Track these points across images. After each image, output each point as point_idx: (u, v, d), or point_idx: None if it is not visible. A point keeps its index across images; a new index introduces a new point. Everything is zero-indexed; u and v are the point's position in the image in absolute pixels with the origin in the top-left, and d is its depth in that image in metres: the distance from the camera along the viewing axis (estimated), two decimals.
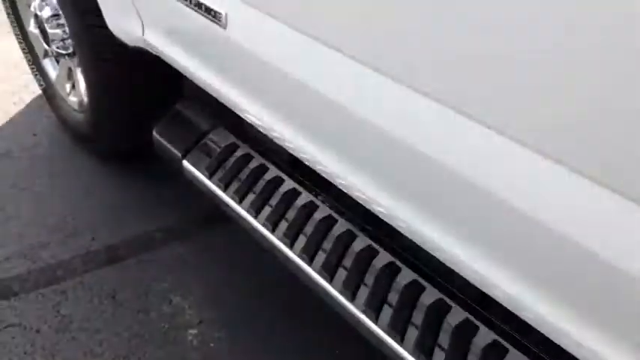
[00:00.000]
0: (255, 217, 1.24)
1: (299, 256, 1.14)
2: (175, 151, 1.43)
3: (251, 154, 1.38)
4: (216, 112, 1.50)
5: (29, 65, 2.21)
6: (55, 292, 1.64)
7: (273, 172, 1.33)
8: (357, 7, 0.85)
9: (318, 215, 1.22)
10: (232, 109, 1.28)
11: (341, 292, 1.07)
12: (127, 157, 2.08)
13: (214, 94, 1.30)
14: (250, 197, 1.28)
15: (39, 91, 2.37)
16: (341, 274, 1.10)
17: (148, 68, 1.66)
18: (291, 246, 1.16)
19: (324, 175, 1.11)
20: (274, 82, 1.08)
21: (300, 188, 1.28)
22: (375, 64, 0.85)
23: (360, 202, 1.03)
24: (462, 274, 0.88)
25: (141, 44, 1.44)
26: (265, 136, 1.29)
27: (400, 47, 0.81)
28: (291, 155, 1.28)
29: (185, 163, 1.40)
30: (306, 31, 0.94)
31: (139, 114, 1.84)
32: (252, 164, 1.35)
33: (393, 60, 0.83)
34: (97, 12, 1.50)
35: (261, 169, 1.34)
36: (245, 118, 1.26)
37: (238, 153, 1.39)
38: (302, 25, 0.95)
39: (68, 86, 2.06)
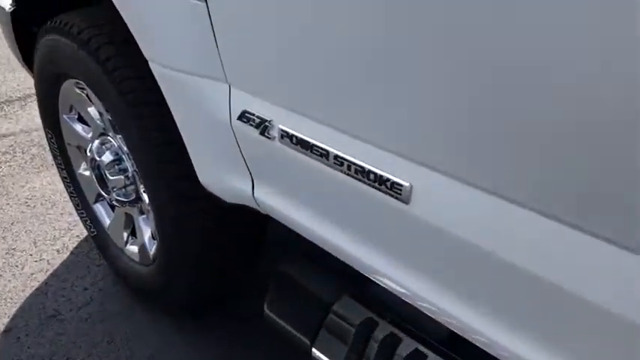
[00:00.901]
0: None
1: None
2: (301, 336, 1.13)
3: (395, 332, 1.10)
4: (332, 276, 1.24)
5: (77, 210, 1.96)
6: None
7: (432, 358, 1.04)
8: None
9: None
10: (372, 277, 1.03)
11: None
12: (196, 313, 1.78)
13: (348, 261, 1.04)
14: None
15: (84, 234, 2.11)
16: None
17: (235, 220, 1.41)
18: None
19: None
20: (468, 260, 0.81)
21: None
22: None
23: None
24: None
25: (246, 202, 1.18)
26: (399, 304, 1.03)
27: None
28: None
29: (315, 352, 1.10)
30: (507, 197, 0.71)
31: (218, 267, 1.58)
32: (403, 350, 1.06)
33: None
34: (185, 165, 1.26)
35: (418, 356, 1.05)
36: (389, 288, 0.99)
37: (380, 333, 1.10)
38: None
39: (125, 234, 1.80)
